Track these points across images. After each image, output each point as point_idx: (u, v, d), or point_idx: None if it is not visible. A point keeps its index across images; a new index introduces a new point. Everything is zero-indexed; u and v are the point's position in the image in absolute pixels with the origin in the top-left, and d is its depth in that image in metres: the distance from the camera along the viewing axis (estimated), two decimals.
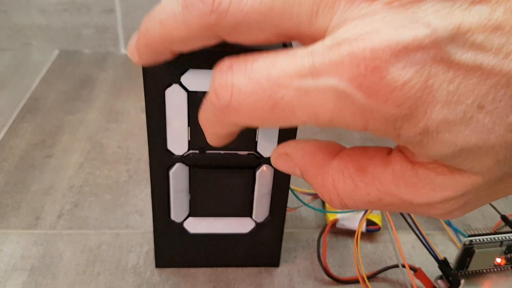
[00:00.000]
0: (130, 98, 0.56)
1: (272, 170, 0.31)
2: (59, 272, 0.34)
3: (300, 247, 0.38)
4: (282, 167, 0.23)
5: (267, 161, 0.31)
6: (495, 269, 0.36)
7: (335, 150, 0.21)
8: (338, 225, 0.38)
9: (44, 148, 0.47)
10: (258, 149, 0.30)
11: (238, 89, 0.18)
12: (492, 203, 0.42)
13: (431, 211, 0.19)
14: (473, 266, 0.35)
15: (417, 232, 0.33)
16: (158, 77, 0.27)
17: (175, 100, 0.27)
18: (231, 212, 0.33)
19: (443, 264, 0.33)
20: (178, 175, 0.31)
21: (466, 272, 0.35)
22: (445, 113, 0.15)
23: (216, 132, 0.22)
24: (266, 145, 0.30)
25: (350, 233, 0.39)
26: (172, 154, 0.30)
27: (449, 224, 0.40)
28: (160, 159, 0.30)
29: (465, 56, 0.15)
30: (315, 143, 0.22)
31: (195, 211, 0.33)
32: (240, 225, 0.34)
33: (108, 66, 0.63)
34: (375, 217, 0.38)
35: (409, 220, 0.33)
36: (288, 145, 0.23)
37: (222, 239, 0.34)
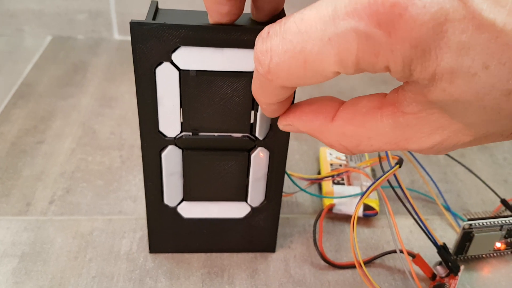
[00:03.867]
0: (124, 84, 0.55)
1: (268, 154, 0.30)
2: (50, 258, 0.34)
3: (296, 232, 0.37)
4: (292, 131, 0.25)
5: (262, 144, 0.30)
6: (494, 254, 0.35)
7: (331, 110, 0.23)
8: (334, 210, 0.38)
9: (36, 133, 0.46)
10: (253, 132, 0.29)
11: (275, 52, 0.19)
12: (492, 187, 0.41)
13: (423, 152, 0.21)
14: (472, 250, 0.34)
15: (416, 216, 0.32)
16: (148, 55, 0.26)
17: (166, 79, 0.27)
18: (226, 197, 0.32)
19: (442, 249, 0.33)
20: (171, 158, 0.30)
21: (465, 257, 0.35)
22: (453, 63, 0.16)
23: (268, 102, 0.23)
24: (261, 127, 0.29)
25: (346, 218, 0.38)
26: (164, 136, 0.29)
27: (447, 208, 0.40)
28: (152, 141, 0.29)
29: (482, 6, 0.15)
30: (311, 109, 0.23)
31: (189, 195, 0.32)
32: (235, 210, 0.33)
33: (102, 51, 0.62)
34: (372, 201, 0.38)
35: (407, 205, 0.32)
36: (288, 117, 0.24)
37: (217, 224, 0.33)
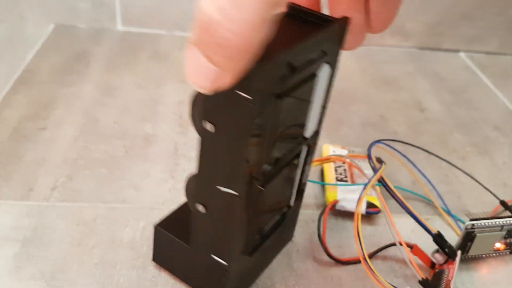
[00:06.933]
0: (126, 74, 0.54)
1: None
2: (52, 244, 0.33)
3: (299, 227, 0.37)
4: None
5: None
6: (494, 254, 0.36)
7: None
8: (337, 207, 0.38)
9: (37, 120, 0.46)
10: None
11: None
12: (491, 189, 0.42)
13: None
14: (473, 250, 0.35)
15: (403, 206, 0.32)
16: None
17: None
18: None
19: (437, 237, 0.33)
20: None
21: (467, 257, 0.35)
22: None
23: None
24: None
25: (349, 215, 0.39)
26: None
27: (447, 211, 0.40)
28: None
29: None
30: None
31: None
32: None
33: (104, 41, 0.61)
34: (375, 199, 0.38)
35: (399, 201, 0.32)
36: None
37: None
